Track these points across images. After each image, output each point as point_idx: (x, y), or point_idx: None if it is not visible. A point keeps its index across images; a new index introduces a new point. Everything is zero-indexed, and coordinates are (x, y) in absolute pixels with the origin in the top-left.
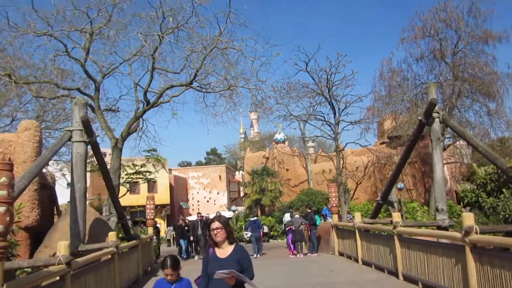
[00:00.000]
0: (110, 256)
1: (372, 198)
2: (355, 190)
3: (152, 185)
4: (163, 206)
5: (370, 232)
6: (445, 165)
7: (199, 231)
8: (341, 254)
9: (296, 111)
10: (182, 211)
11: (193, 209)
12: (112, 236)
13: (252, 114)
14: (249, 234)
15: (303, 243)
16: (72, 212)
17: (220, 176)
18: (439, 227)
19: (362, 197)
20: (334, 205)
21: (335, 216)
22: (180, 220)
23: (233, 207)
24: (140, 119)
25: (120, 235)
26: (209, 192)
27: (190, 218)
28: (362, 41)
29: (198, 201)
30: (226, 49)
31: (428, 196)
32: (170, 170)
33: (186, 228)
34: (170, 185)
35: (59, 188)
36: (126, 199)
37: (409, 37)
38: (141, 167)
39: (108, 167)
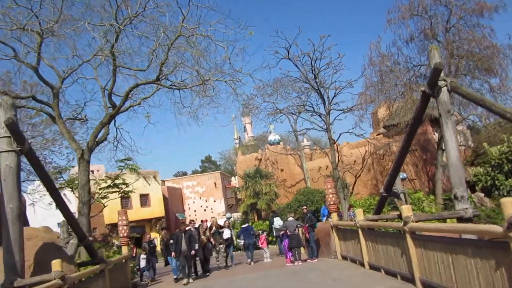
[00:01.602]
0: None
1: (373, 192)
2: (354, 184)
3: (144, 198)
4: (158, 219)
5: (376, 230)
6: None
7: (183, 245)
8: (344, 258)
9: (287, 109)
10: (178, 223)
11: (190, 220)
12: (56, 265)
13: (245, 118)
14: (241, 242)
15: (301, 248)
16: (5, 239)
17: (215, 183)
18: (461, 219)
19: (363, 191)
20: (332, 202)
21: (334, 215)
22: (163, 233)
23: (228, 214)
24: (114, 127)
25: (84, 260)
26: (206, 201)
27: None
28: (346, 25)
29: (195, 211)
30: (193, 36)
31: (433, 185)
32: (163, 181)
33: (171, 241)
34: (164, 197)
35: (38, 211)
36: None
37: (396, 18)
38: (115, 179)
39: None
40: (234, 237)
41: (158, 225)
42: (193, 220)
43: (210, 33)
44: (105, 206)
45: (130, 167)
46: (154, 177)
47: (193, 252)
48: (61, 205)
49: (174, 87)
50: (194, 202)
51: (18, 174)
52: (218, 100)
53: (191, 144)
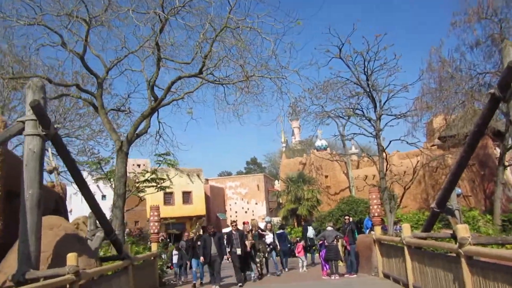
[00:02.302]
0: (68, 286)
1: (423, 207)
2: (402, 197)
3: (187, 195)
4: (198, 217)
5: (424, 249)
6: (508, 168)
7: (213, 248)
8: (386, 276)
9: (334, 111)
10: (219, 222)
11: (231, 221)
12: (71, 259)
13: (294, 122)
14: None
15: (339, 261)
16: (22, 228)
17: (258, 186)
18: None
19: (411, 205)
20: (376, 214)
21: (378, 228)
22: (191, 233)
23: (267, 218)
24: (157, 121)
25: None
26: (247, 203)
27: (225, 230)
28: (405, 25)
29: (236, 212)
30: (239, 29)
31: (490, 204)
32: (206, 180)
33: (198, 243)
34: (206, 196)
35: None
36: (161, 211)
37: (462, 21)
38: (152, 173)
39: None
40: (277, 242)
41: (198, 223)
42: (235, 221)
43: (258, 26)
44: (142, 200)
45: (169, 162)
46: (198, 175)
47: (225, 257)
48: (87, 196)
49: (217, 82)
50: (236, 203)
51: (41, 160)
52: (262, 98)
53: (238, 145)
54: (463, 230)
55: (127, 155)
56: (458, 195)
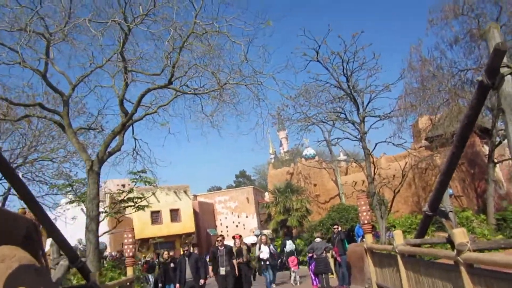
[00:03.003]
0: None
1: (415, 210)
2: (392, 201)
3: (175, 213)
4: (188, 234)
5: (418, 257)
6: (497, 165)
7: (187, 273)
8: (380, 287)
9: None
10: (209, 239)
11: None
12: None
13: (281, 133)
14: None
15: (329, 274)
16: None
17: (247, 198)
18: None
19: (402, 209)
20: (366, 221)
21: (369, 236)
22: (165, 253)
23: (257, 231)
24: (133, 138)
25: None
26: (238, 216)
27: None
28: (382, 26)
29: (226, 227)
30: (207, 34)
31: (482, 203)
32: (195, 196)
33: (172, 265)
34: (195, 212)
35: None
36: (148, 230)
37: (439, 18)
38: (129, 193)
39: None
40: (274, 252)
41: (187, 241)
42: (221, 235)
43: (226, 30)
44: (119, 221)
45: (145, 179)
46: (185, 192)
47: (201, 281)
48: (44, 220)
49: (189, 93)
50: (226, 217)
51: None
52: (240, 107)
53: (226, 160)
54: (460, 235)
55: (98, 175)
56: (450, 196)
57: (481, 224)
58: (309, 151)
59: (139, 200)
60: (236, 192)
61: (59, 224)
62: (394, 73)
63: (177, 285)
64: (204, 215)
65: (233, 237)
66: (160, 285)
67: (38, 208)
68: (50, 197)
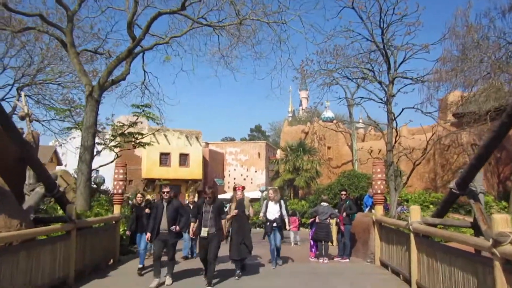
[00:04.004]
0: None
1: (429, 187)
2: (411, 173)
3: (184, 158)
4: (194, 181)
5: (435, 240)
6: None
7: (162, 223)
8: (384, 265)
9: (342, 70)
10: (216, 188)
11: (228, 187)
12: None
13: (302, 92)
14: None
15: (329, 242)
16: None
17: (259, 153)
18: None
19: (416, 184)
20: (379, 191)
21: (380, 208)
22: (138, 196)
23: (262, 187)
24: (143, 70)
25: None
26: (247, 170)
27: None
28: None
29: (234, 178)
30: None
31: (503, 189)
32: (206, 143)
33: (148, 211)
34: (204, 160)
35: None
36: (155, 171)
37: None
38: (129, 127)
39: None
40: (286, 217)
41: (192, 188)
42: (211, 187)
43: None
44: (118, 156)
45: (148, 114)
46: (197, 138)
47: (174, 228)
48: (17, 144)
49: (204, 24)
50: (235, 169)
51: None
52: (259, 48)
53: (243, 112)
54: (502, 222)
55: (98, 102)
56: None
57: (500, 212)
58: (328, 114)
59: (140, 137)
60: (248, 145)
61: (65, 152)
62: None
63: (147, 234)
64: (213, 164)
65: (234, 188)
66: (128, 232)
67: (10, 127)
68: (56, 123)
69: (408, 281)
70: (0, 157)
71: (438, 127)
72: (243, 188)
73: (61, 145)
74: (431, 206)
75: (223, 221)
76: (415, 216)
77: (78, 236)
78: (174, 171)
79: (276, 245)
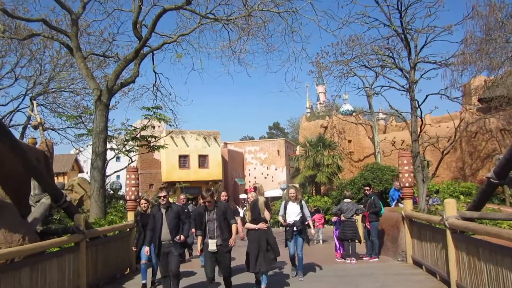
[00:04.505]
0: None
1: (457, 177)
2: (439, 163)
3: (203, 159)
4: (215, 182)
5: (474, 236)
6: None
7: (163, 232)
8: (417, 263)
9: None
10: (236, 188)
11: (249, 186)
12: None
13: (319, 87)
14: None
15: (356, 241)
16: None
17: (278, 151)
18: None
19: (443, 174)
20: (407, 184)
21: (409, 202)
22: (143, 202)
23: (283, 185)
24: (153, 71)
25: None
26: (267, 168)
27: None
28: None
29: (255, 177)
30: None
31: None
32: (225, 144)
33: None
34: (224, 160)
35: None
36: (175, 174)
37: None
38: (141, 130)
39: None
40: (310, 219)
41: (213, 188)
42: (210, 190)
43: None
44: (132, 161)
45: (159, 116)
46: (215, 138)
47: (179, 238)
48: (17, 154)
49: (211, 18)
50: (255, 168)
51: None
52: (271, 41)
53: (261, 110)
54: None
55: (107, 106)
56: None
57: None
58: (346, 107)
59: (154, 140)
60: (267, 143)
61: (86, 159)
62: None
63: (146, 248)
64: (233, 164)
65: (245, 191)
66: (134, 248)
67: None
68: (72, 130)
69: (446, 281)
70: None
71: (466, 113)
72: (255, 188)
73: (78, 153)
74: (461, 196)
75: (234, 226)
76: (451, 210)
77: (90, 247)
78: (194, 173)
79: (297, 253)
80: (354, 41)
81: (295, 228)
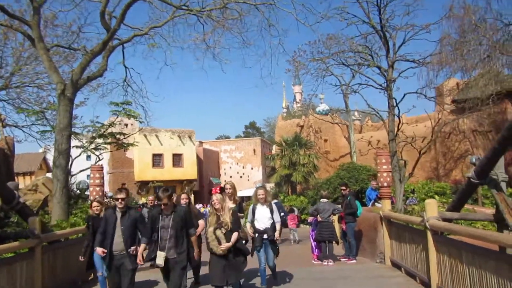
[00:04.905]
0: None
1: (431, 177)
2: (416, 162)
3: (177, 158)
4: (189, 181)
5: (456, 238)
6: None
7: (116, 240)
8: (396, 265)
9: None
10: (212, 187)
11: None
12: None
13: (296, 87)
14: None
15: (333, 242)
16: None
17: (254, 150)
18: None
19: (418, 174)
20: (386, 184)
21: (387, 202)
22: (94, 204)
23: (258, 184)
24: (124, 66)
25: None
26: (243, 167)
27: None
28: None
29: (230, 176)
30: None
31: (506, 174)
32: (200, 142)
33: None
34: (199, 159)
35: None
36: (148, 173)
37: None
38: (109, 127)
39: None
40: (278, 224)
41: (187, 188)
42: (156, 194)
43: None
44: (100, 159)
45: (128, 112)
46: (190, 137)
47: (132, 249)
48: None
49: (185, 9)
50: (231, 167)
51: None
52: (246, 34)
53: (237, 108)
54: None
55: (71, 101)
56: (475, 165)
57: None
58: (322, 107)
59: (123, 137)
60: (243, 142)
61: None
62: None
63: (98, 249)
64: (208, 163)
65: (210, 193)
66: (81, 258)
67: None
68: (37, 127)
69: (427, 284)
70: None
71: (443, 112)
72: (221, 190)
73: (46, 151)
74: (436, 196)
75: (193, 239)
76: (432, 211)
77: (47, 251)
78: (168, 172)
79: (269, 264)
80: (332, 39)
81: (265, 236)
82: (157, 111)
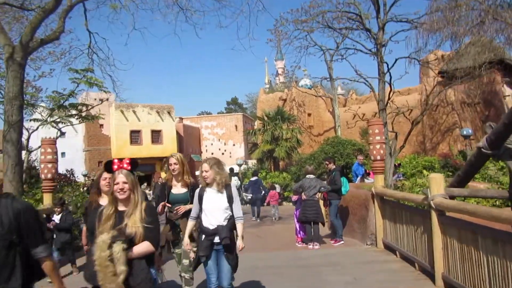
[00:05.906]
0: None
1: (417, 151)
2: (408, 134)
3: (156, 134)
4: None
5: (469, 221)
6: None
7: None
8: (389, 248)
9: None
10: (193, 165)
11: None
12: None
13: (278, 62)
14: (249, 196)
15: (319, 223)
16: None
17: (236, 126)
18: None
19: (404, 148)
20: (379, 157)
21: (380, 178)
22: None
23: (239, 161)
24: (87, 31)
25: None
26: (224, 144)
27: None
28: None
29: (212, 153)
30: None
31: None
32: (180, 118)
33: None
34: (179, 135)
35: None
36: (126, 150)
37: None
38: (69, 96)
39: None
40: (241, 221)
41: (166, 165)
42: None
43: None
44: (62, 133)
45: (89, 80)
46: (169, 112)
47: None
48: None
49: None
50: (212, 144)
51: None
52: None
53: (219, 85)
54: None
55: (22, 67)
56: (467, 137)
57: (497, 172)
58: (306, 81)
59: (85, 108)
60: (224, 118)
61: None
62: None
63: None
64: (189, 140)
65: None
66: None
67: None
68: None
69: (428, 272)
70: None
71: (437, 77)
72: (132, 164)
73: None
74: (424, 171)
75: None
76: (438, 187)
77: None
78: (146, 149)
79: (222, 286)
80: (315, 7)
81: (216, 239)
82: (132, 85)
